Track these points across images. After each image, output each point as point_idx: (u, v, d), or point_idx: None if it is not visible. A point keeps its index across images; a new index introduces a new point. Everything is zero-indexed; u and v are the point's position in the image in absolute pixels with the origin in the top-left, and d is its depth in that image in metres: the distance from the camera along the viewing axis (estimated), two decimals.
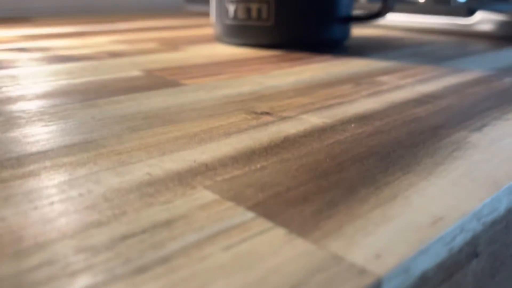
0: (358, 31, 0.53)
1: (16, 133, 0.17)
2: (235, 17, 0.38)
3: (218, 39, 0.42)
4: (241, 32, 0.39)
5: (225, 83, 0.26)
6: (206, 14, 0.80)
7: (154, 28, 0.54)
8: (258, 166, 0.14)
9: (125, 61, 0.32)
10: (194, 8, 0.82)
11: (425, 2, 0.58)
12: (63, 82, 0.26)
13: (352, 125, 0.19)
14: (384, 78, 0.28)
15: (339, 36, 0.40)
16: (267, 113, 0.20)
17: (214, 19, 0.41)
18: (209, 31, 0.52)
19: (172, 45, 0.40)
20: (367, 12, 0.39)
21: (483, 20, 0.49)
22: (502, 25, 0.47)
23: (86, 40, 0.42)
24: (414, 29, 0.55)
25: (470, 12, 0.50)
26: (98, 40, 0.43)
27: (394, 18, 0.55)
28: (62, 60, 0.32)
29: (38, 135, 0.17)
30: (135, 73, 0.28)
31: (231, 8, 0.38)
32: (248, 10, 0.38)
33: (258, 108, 0.21)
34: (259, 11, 0.37)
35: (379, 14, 0.38)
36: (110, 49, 0.37)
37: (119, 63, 0.31)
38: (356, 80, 0.27)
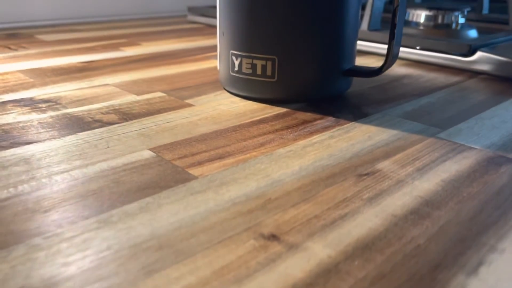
0: (359, 62, 0.54)
1: (37, 279, 0.18)
2: (240, 70, 0.39)
3: (222, 86, 0.42)
4: (245, 85, 0.40)
5: (231, 174, 0.27)
6: (207, 25, 0.80)
7: (161, 57, 0.55)
8: None
9: (134, 130, 0.33)
10: (195, 19, 0.82)
11: (426, 31, 0.58)
12: (76, 172, 0.27)
13: (356, 263, 0.20)
14: (385, 166, 0.29)
15: (341, 89, 0.41)
16: (274, 237, 0.21)
17: (219, 66, 0.42)
18: (214, 64, 0.52)
19: (179, 93, 0.41)
20: (369, 67, 0.40)
21: (483, 59, 0.49)
22: (500, 65, 0.48)
23: (94, 83, 0.43)
24: (415, 62, 0.56)
25: (471, 52, 0.50)
26: (106, 82, 0.43)
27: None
28: (73, 127, 0.33)
29: (60, 284, 0.18)
30: (145, 154, 0.29)
31: (236, 61, 0.39)
32: (253, 66, 0.38)
33: (265, 226, 0.22)
34: (263, 67, 0.38)
35: (381, 71, 0.39)
36: (118, 104, 0.38)
37: (129, 134, 0.32)
38: (357, 168, 0.28)
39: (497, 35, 0.57)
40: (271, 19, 0.37)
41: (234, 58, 0.39)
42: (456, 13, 0.62)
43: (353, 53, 0.41)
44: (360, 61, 0.56)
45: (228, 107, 0.38)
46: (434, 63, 0.54)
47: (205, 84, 0.45)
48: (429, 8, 0.61)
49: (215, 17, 0.79)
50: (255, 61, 0.38)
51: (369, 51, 0.60)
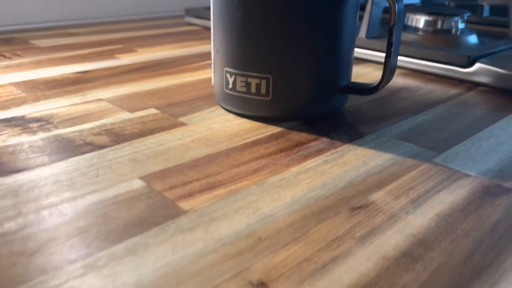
0: (357, 71, 0.53)
1: None
2: (234, 88, 0.38)
3: (217, 101, 0.42)
4: (239, 103, 0.39)
5: (222, 207, 0.27)
6: (204, 27, 0.79)
7: (156, 66, 0.54)
8: None
9: (125, 154, 0.33)
10: (192, 21, 0.81)
11: (425, 37, 0.58)
12: (65, 206, 0.26)
13: None
14: (379, 197, 0.28)
15: (337, 107, 0.40)
16: (263, 285, 0.21)
17: (213, 81, 0.42)
18: (209, 74, 0.52)
19: (173, 109, 0.40)
20: (365, 84, 0.40)
21: (481, 71, 0.49)
22: (499, 77, 0.48)
23: (87, 98, 0.43)
24: (413, 71, 0.55)
25: (470, 63, 0.50)
26: (99, 97, 0.43)
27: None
28: (64, 151, 0.33)
29: None
30: (135, 184, 0.29)
31: (230, 79, 0.39)
32: (248, 84, 0.38)
33: (253, 272, 0.22)
34: (258, 86, 0.38)
35: (377, 88, 0.39)
36: (111, 123, 0.38)
37: (120, 160, 0.32)
38: (350, 200, 0.28)
39: (497, 43, 0.56)
40: (265, 38, 0.36)
41: (228, 75, 0.39)
42: (456, 19, 0.61)
43: (349, 70, 0.40)
44: (357, 70, 0.55)
45: (221, 126, 0.38)
46: (433, 73, 0.54)
47: (199, 99, 0.44)
48: (428, 13, 0.61)
49: None
50: (249, 80, 0.38)
51: (367, 59, 0.59)
